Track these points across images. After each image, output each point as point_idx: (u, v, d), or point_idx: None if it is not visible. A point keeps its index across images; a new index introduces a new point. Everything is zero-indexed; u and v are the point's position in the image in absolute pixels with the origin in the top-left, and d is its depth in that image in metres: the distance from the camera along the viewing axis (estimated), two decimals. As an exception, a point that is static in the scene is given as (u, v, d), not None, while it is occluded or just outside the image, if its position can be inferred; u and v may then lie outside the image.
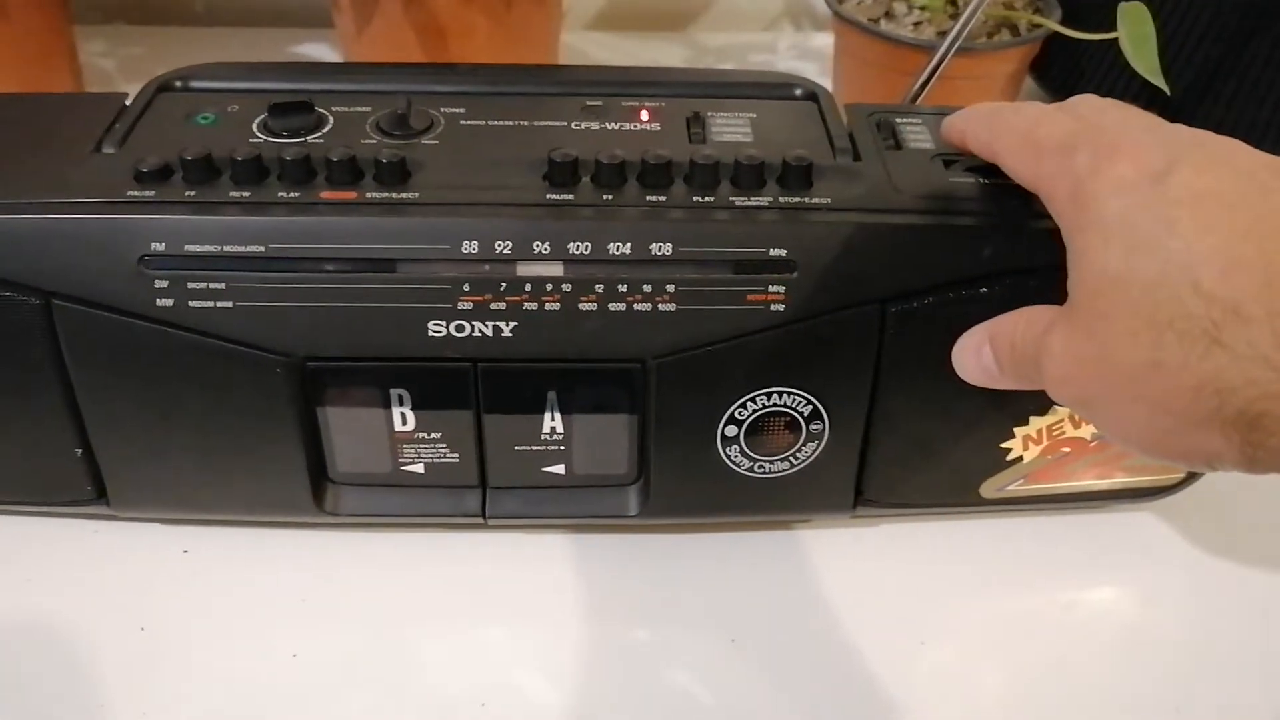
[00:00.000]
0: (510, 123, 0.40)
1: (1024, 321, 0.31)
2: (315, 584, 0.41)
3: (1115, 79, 0.62)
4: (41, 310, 0.36)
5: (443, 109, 0.41)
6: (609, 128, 0.40)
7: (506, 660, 0.39)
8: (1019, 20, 0.61)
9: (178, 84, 0.42)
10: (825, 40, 0.80)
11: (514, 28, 0.63)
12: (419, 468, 0.40)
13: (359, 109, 0.41)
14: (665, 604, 0.41)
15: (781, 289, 0.36)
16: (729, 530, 0.43)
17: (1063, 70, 0.65)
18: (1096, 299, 0.28)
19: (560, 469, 0.40)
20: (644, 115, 0.41)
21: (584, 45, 0.78)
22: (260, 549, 0.42)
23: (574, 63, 0.75)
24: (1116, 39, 0.53)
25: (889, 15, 0.62)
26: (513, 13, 0.62)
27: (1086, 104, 0.32)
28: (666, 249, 0.36)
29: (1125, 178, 0.28)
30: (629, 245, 0.36)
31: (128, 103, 0.41)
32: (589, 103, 0.41)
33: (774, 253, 0.36)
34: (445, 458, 0.40)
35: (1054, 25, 0.59)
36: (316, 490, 0.40)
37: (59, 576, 0.41)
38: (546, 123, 0.40)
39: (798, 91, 0.43)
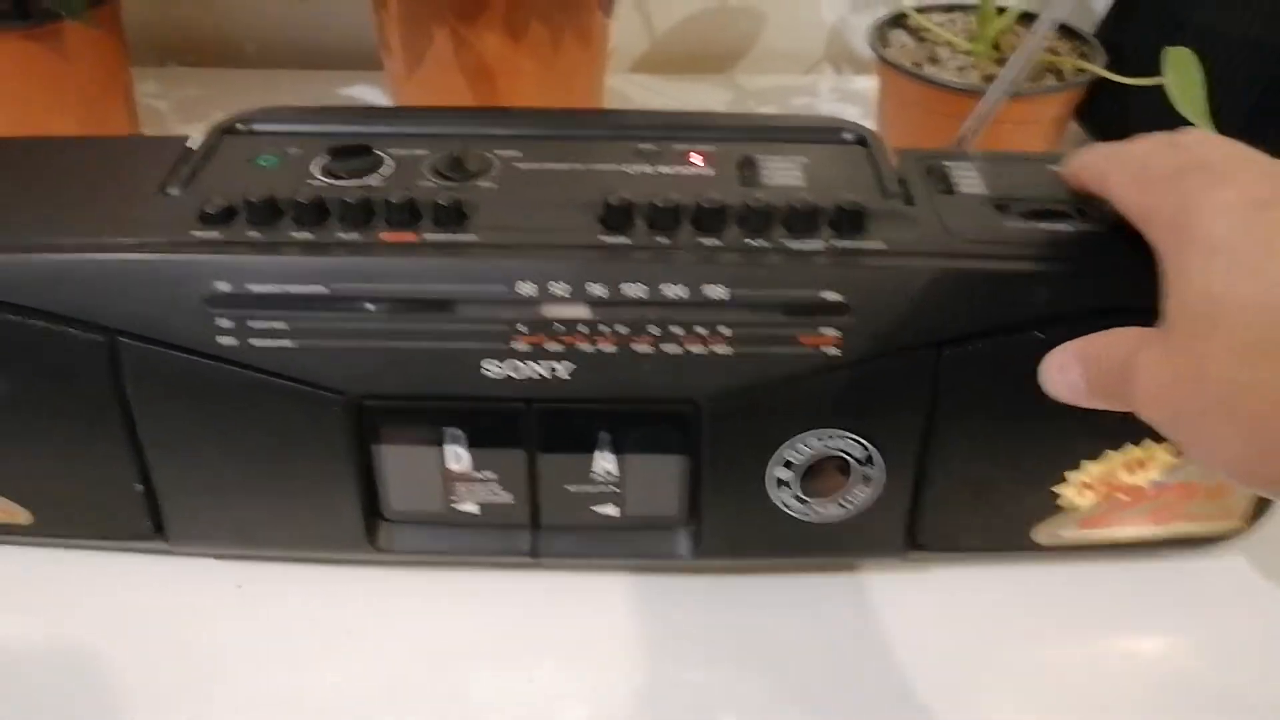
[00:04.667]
0: (564, 166, 0.41)
1: (1113, 341, 0.32)
2: (367, 621, 0.41)
3: (1161, 123, 0.62)
4: (107, 348, 0.37)
5: (497, 152, 0.41)
6: (662, 171, 0.41)
7: (556, 700, 0.39)
8: (1063, 65, 0.61)
9: (240, 127, 0.43)
10: (867, 83, 0.80)
11: (560, 71, 0.64)
12: (471, 506, 0.40)
13: (416, 152, 0.41)
14: (716, 645, 0.41)
15: (835, 332, 0.36)
16: (780, 572, 0.43)
17: (1107, 114, 0.65)
18: (1195, 318, 0.28)
19: (612, 509, 0.40)
20: (696, 159, 0.41)
21: (627, 88, 0.79)
22: (313, 585, 0.42)
23: (617, 105, 0.75)
24: (1162, 83, 0.53)
25: (933, 60, 0.62)
26: (560, 56, 0.63)
27: (1194, 136, 0.33)
28: (721, 292, 0.36)
29: (1230, 202, 0.28)
30: (684, 288, 0.36)
31: (189, 145, 0.42)
32: (641, 146, 0.42)
33: (828, 296, 0.36)
34: (497, 497, 0.40)
35: (1099, 70, 0.59)
36: (370, 527, 0.40)
37: (112, 610, 0.41)
38: (600, 166, 0.41)
39: (848, 136, 0.43)
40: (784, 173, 0.41)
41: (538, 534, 0.41)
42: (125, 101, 0.69)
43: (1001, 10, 0.62)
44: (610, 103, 0.73)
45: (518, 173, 0.40)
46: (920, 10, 0.65)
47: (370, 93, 0.78)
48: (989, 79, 0.61)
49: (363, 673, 0.40)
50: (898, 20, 0.66)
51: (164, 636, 0.41)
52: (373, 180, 0.40)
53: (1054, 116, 0.61)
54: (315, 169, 0.40)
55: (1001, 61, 0.61)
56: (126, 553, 0.43)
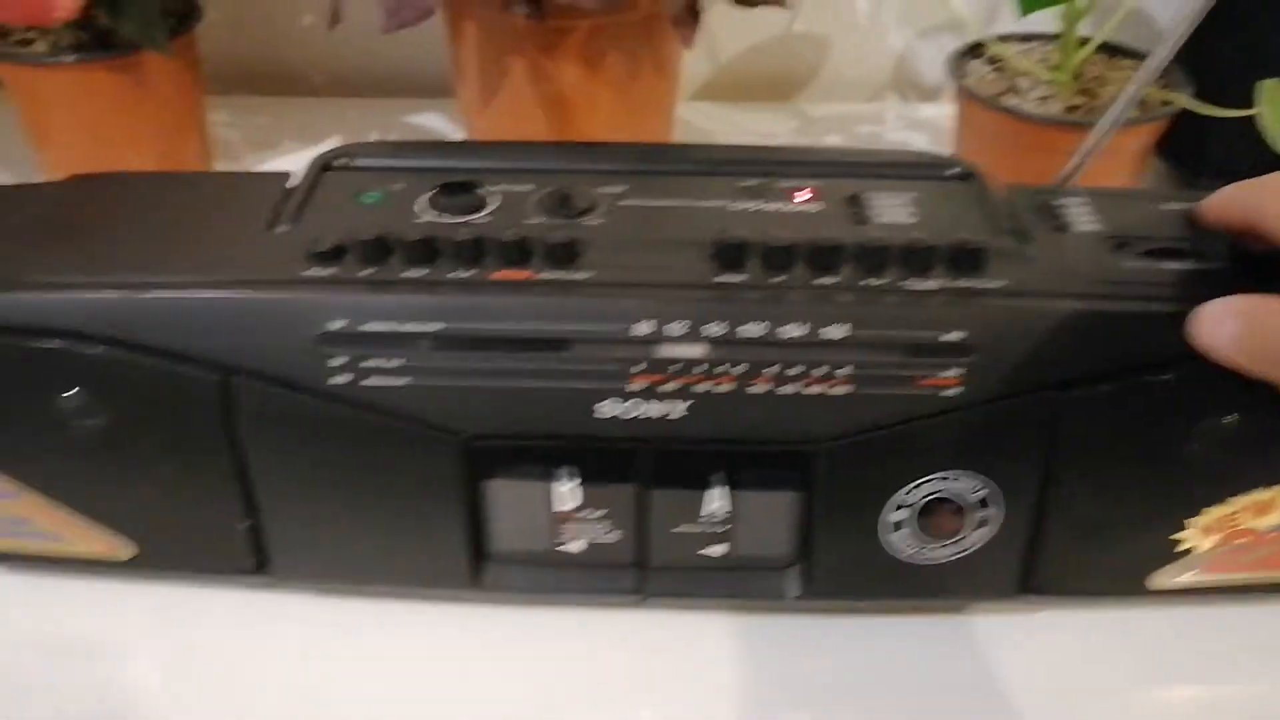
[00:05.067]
0: (670, 203, 0.41)
1: None
2: (468, 658, 0.41)
3: (1243, 154, 0.61)
4: (220, 386, 0.37)
5: (600, 189, 0.41)
6: (769, 209, 0.40)
7: (663, 745, 0.38)
8: (1149, 96, 0.60)
9: (339, 162, 0.43)
10: (933, 111, 0.80)
11: (636, 101, 0.64)
12: (578, 546, 0.40)
13: (518, 188, 0.41)
14: (821, 686, 0.40)
15: (956, 373, 0.36)
16: (885, 613, 0.42)
17: (1189, 146, 0.64)
18: None
19: (720, 550, 0.40)
20: (801, 196, 0.41)
21: (691, 116, 0.79)
22: (413, 622, 0.42)
23: (683, 133, 0.75)
24: (1247, 116, 0.52)
25: (1013, 91, 0.62)
26: (636, 87, 0.63)
27: None
28: (841, 332, 0.36)
29: None
30: (803, 328, 0.36)
31: (288, 182, 0.42)
32: (744, 183, 0.42)
33: (950, 337, 0.35)
34: (605, 537, 0.40)
35: (1186, 102, 0.59)
36: (475, 567, 0.40)
37: (213, 645, 0.41)
38: (705, 203, 0.40)
39: (952, 171, 0.43)
40: (893, 209, 0.40)
41: (644, 573, 0.40)
42: (200, 131, 0.69)
43: (1084, 41, 0.61)
44: (676, 132, 0.73)
45: (624, 210, 0.40)
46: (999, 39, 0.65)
47: (438, 121, 0.78)
48: (1071, 110, 0.60)
49: (463, 711, 0.39)
50: (974, 50, 0.65)
51: (264, 672, 0.40)
52: (479, 218, 0.39)
53: (1139, 148, 0.60)
54: (420, 206, 0.40)
55: (1084, 92, 0.61)
56: (227, 588, 0.43)
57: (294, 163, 0.74)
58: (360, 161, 0.43)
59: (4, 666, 0.40)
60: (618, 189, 0.41)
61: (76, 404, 0.38)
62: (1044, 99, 0.61)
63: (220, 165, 0.72)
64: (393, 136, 0.76)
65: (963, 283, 0.36)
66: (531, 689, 0.40)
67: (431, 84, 0.79)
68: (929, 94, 0.82)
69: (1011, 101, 0.60)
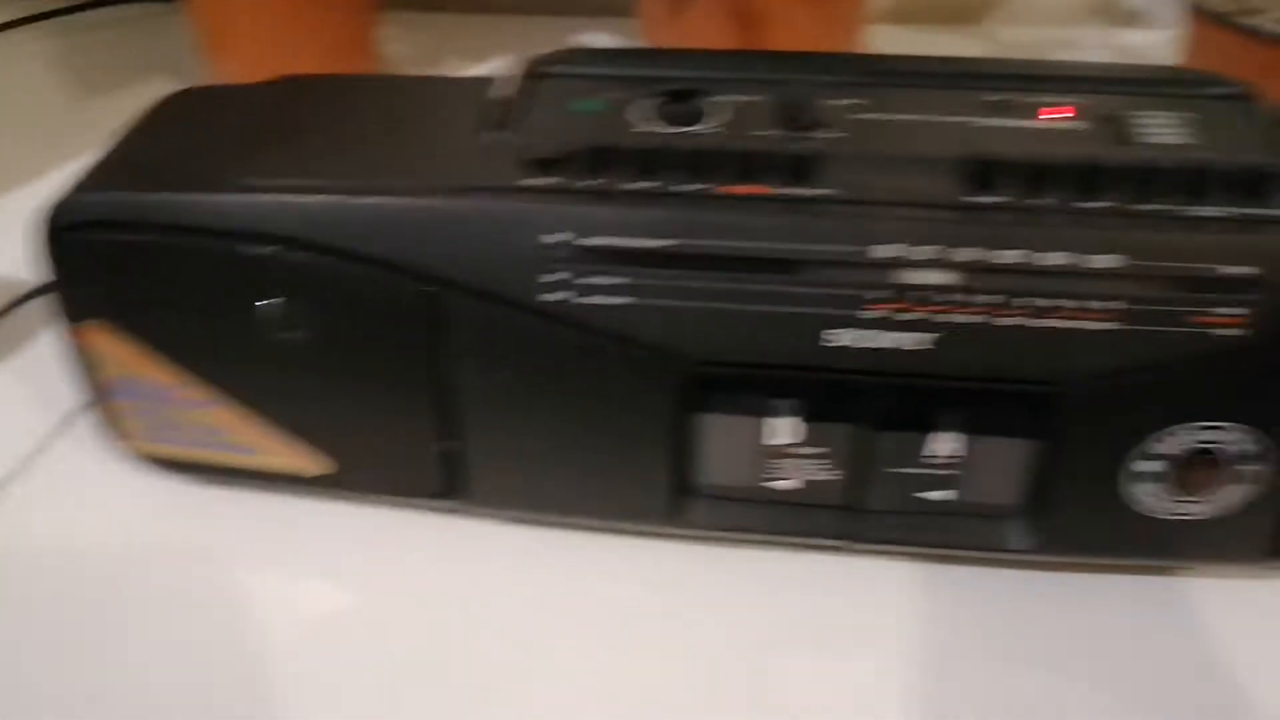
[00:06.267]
0: (908, 118, 0.37)
1: None
2: (661, 597, 0.39)
3: None
4: (431, 297, 0.35)
5: (831, 101, 0.38)
6: (1020, 125, 0.37)
7: (870, 697, 0.36)
8: None
9: (547, 69, 0.41)
10: (1135, 37, 0.74)
11: (832, 17, 0.60)
12: (789, 484, 0.38)
13: (743, 98, 0.38)
14: (1046, 649, 0.37)
15: (1239, 311, 0.32)
16: (1104, 571, 0.39)
17: None
18: None
19: (944, 494, 0.37)
20: (1055, 112, 0.37)
21: (874, 40, 0.75)
22: (603, 556, 0.40)
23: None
24: None
25: (1248, 11, 0.56)
26: (837, 5, 0.59)
27: None
28: (1109, 261, 0.32)
29: None
30: (1065, 255, 0.32)
31: (492, 88, 0.40)
32: (988, 98, 0.38)
33: (1235, 270, 0.32)
34: (818, 475, 0.37)
35: None
36: (677, 500, 0.38)
37: (397, 572, 0.40)
38: (949, 119, 0.37)
39: (1221, 90, 0.39)
40: (1162, 130, 0.36)
41: (858, 516, 0.38)
42: (371, 44, 0.68)
43: (1339, -45, 0.55)
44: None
45: (860, 124, 0.37)
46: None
47: (605, 40, 0.75)
48: (1320, 33, 0.54)
49: (657, 652, 0.37)
50: (1206, -33, 0.59)
51: (449, 603, 0.39)
52: (704, 129, 0.37)
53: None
54: (639, 115, 0.37)
55: (1335, 13, 0.55)
56: (410, 509, 0.42)
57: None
58: (571, 68, 0.41)
59: (184, 579, 0.40)
60: (849, 101, 0.38)
61: (279, 312, 0.37)
62: (1286, 21, 0.55)
63: (389, 81, 0.71)
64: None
65: (1251, 211, 0.33)
66: (728, 634, 0.38)
67: (595, 3, 0.77)
68: (1126, 19, 0.76)
69: (1252, 21, 0.55)
